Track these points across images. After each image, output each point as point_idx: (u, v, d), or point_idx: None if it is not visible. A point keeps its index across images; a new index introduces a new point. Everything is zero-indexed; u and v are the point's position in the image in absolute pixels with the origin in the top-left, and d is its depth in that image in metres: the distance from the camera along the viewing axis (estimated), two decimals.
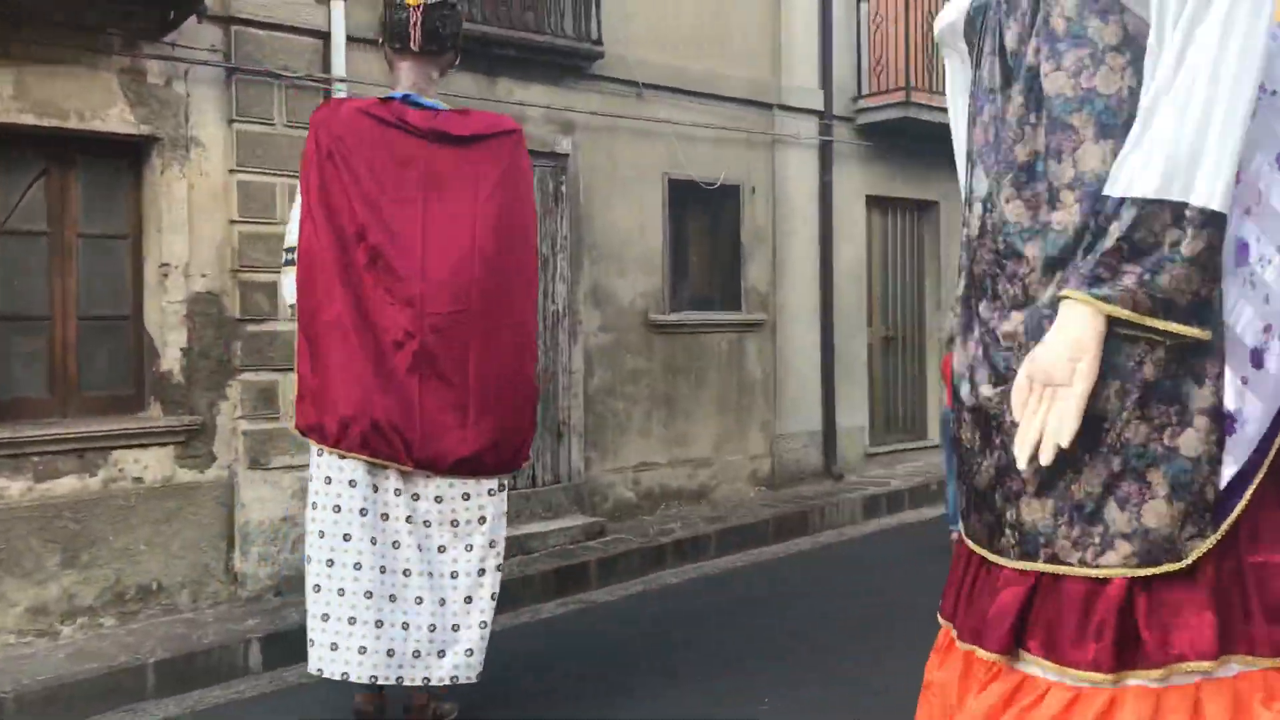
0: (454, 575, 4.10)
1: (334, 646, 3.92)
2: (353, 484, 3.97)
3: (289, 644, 5.10)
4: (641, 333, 8.16)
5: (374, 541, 3.97)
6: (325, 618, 3.93)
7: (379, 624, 3.93)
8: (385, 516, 4.01)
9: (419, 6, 4.16)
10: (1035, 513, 1.96)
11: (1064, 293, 1.84)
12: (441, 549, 4.09)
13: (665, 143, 8.18)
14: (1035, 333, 1.92)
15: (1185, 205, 1.77)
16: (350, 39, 6.39)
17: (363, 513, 3.97)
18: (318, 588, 3.95)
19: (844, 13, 9.58)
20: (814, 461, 9.29)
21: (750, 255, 8.86)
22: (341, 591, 3.93)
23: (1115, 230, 1.80)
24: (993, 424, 2.04)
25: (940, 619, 2.25)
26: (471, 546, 4.11)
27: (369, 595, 3.94)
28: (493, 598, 4.15)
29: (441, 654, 4.04)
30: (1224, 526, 1.85)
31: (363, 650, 3.92)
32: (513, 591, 5.93)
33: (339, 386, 3.95)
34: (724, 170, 8.59)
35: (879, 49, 9.63)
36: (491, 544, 4.14)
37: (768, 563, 7.36)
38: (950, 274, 10.65)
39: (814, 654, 5.22)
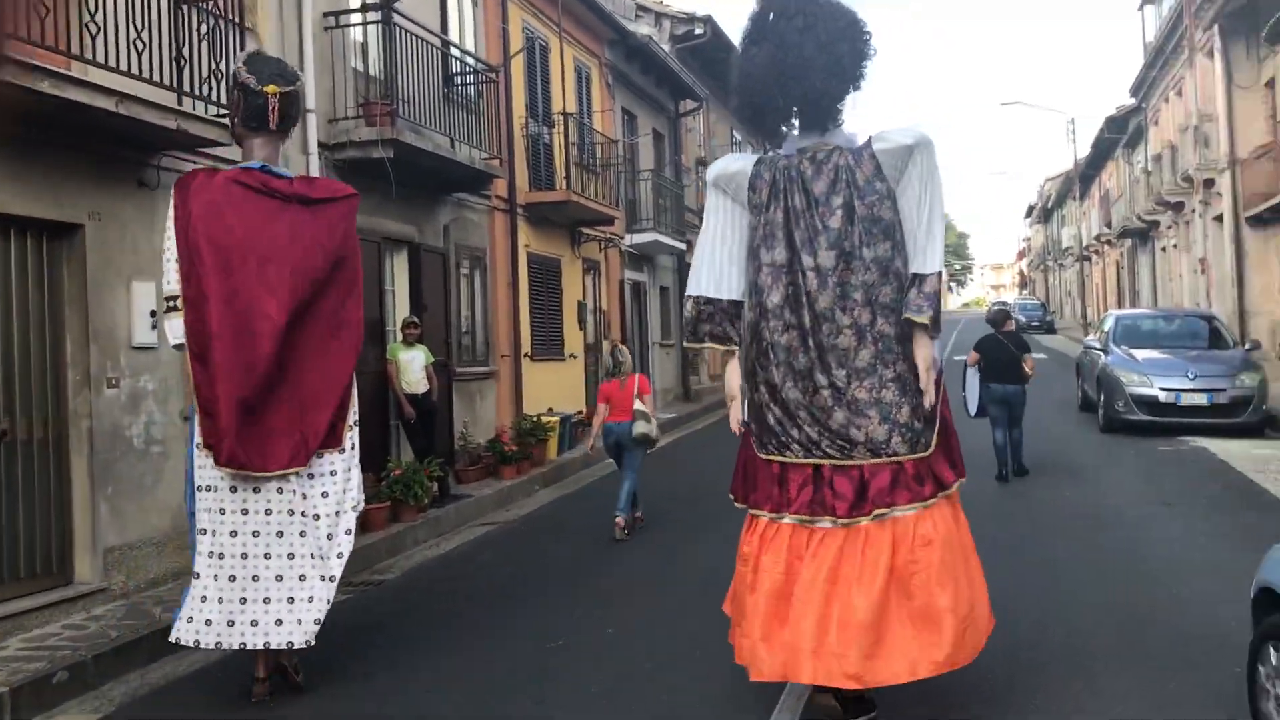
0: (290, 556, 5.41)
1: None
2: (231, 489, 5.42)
3: None
4: None
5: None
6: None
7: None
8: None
9: (276, 95, 5.50)
10: (879, 433, 4.45)
11: (916, 318, 4.50)
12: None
13: None
14: (901, 339, 4.53)
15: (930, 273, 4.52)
16: None
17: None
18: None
19: None
20: None
21: None
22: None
23: (920, 295, 4.53)
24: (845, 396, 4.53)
25: (766, 511, 4.57)
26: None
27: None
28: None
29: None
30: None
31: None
32: None
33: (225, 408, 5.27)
34: None
35: None
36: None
37: None
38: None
39: None
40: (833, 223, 4.46)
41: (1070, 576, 7.20)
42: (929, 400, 4.51)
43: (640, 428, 9.21)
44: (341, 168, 10.01)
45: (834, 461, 4.45)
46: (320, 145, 9.70)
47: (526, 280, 14.48)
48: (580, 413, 15.57)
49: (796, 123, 4.72)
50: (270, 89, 5.47)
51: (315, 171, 9.46)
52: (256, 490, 5.39)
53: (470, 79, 12.36)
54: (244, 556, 5.40)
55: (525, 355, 14.26)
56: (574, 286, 16.41)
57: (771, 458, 4.56)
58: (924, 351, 4.51)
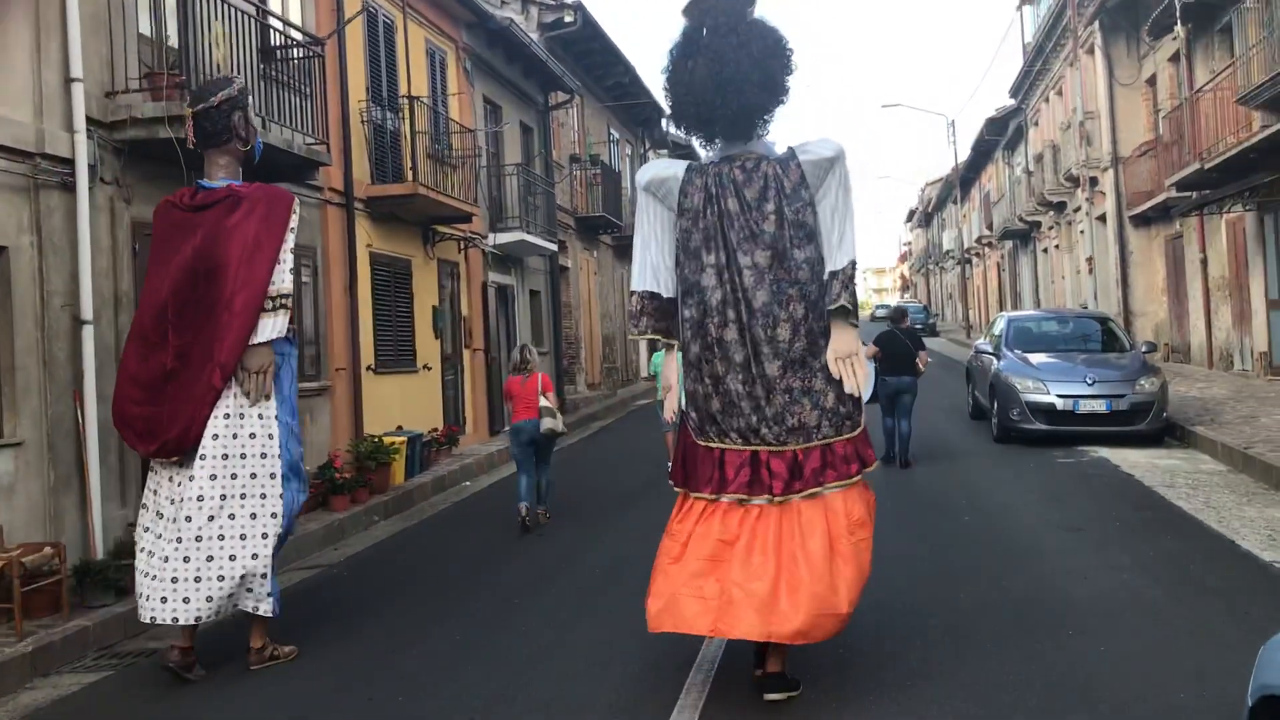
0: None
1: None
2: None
3: None
4: None
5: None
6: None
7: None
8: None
9: (189, 115, 6.06)
10: (811, 419, 4.87)
11: (832, 306, 4.92)
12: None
13: None
14: (825, 333, 4.96)
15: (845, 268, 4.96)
16: None
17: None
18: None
19: None
20: None
21: None
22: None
23: (837, 283, 4.93)
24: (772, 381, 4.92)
25: (706, 494, 4.90)
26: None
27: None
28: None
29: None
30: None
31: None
32: None
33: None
34: None
35: None
36: None
37: None
38: None
39: None
40: (767, 226, 4.91)
41: (980, 634, 6.02)
42: (848, 385, 4.93)
43: (546, 423, 9.60)
44: (121, 150, 8.37)
45: (771, 448, 4.88)
46: (93, 123, 8.06)
47: (369, 283, 12.91)
48: (435, 430, 14.04)
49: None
50: (186, 110, 6.21)
51: (81, 153, 7.83)
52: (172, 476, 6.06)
53: (295, 53, 10.79)
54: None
55: (367, 368, 12.68)
56: (428, 290, 14.86)
57: (710, 444, 4.97)
58: (835, 341, 4.96)
